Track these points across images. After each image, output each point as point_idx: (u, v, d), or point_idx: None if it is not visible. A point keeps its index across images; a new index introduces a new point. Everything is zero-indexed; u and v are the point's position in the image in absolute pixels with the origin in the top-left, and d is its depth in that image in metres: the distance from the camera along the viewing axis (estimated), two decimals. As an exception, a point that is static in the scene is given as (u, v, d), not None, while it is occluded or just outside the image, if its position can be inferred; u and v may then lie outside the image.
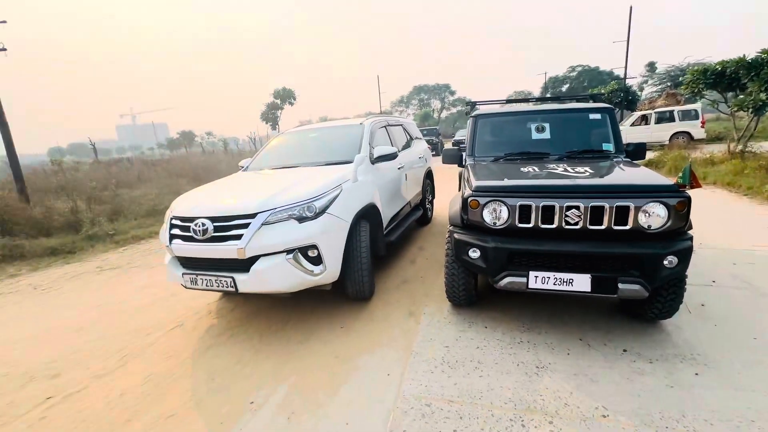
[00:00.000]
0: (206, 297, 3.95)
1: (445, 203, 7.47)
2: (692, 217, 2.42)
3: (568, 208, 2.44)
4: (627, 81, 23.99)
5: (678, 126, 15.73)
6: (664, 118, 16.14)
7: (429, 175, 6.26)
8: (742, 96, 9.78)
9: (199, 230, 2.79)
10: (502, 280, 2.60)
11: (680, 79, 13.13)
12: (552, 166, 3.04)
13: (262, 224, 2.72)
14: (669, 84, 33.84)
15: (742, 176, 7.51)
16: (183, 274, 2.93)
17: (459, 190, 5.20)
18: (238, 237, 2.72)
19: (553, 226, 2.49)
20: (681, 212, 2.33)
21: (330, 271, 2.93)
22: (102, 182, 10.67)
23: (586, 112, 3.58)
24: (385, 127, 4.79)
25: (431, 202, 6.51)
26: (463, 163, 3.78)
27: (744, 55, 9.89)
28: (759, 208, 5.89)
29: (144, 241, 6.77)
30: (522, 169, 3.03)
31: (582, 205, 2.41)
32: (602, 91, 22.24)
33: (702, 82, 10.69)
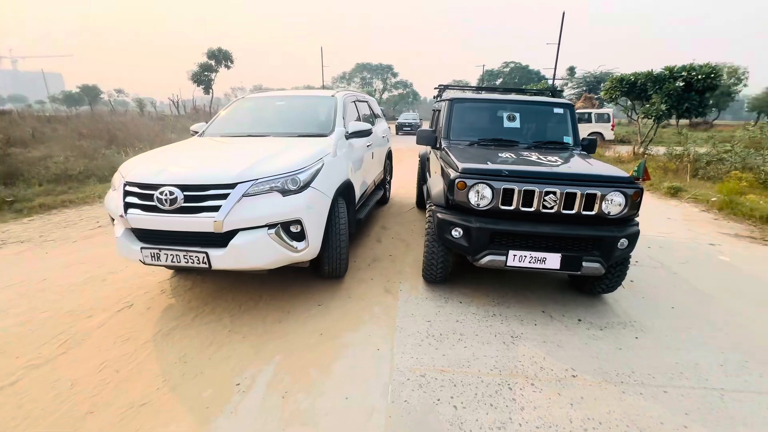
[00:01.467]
0: (155, 274, 3.55)
1: (399, 184, 7.61)
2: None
3: (547, 193, 2.65)
4: (554, 81, 26.33)
5: (593, 127, 17.83)
6: (583, 119, 18.14)
7: (389, 155, 6.27)
8: (647, 105, 11.41)
9: (167, 199, 2.46)
10: (482, 259, 2.76)
11: (600, 85, 14.70)
12: (525, 153, 3.26)
13: (242, 196, 2.50)
14: (585, 88, 37.96)
15: (645, 174, 8.84)
16: (142, 248, 2.58)
17: (423, 172, 5.32)
18: (215, 209, 2.46)
19: (532, 209, 2.70)
20: (635, 201, 2.69)
21: (312, 248, 2.82)
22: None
23: (551, 106, 3.88)
24: (354, 102, 4.65)
25: (389, 183, 6.56)
26: (438, 145, 3.85)
27: (651, 70, 11.47)
28: (658, 202, 7.03)
29: (56, 211, 5.75)
30: (500, 154, 3.20)
31: (558, 191, 2.65)
32: (534, 88, 24.13)
33: (618, 89, 12.20)
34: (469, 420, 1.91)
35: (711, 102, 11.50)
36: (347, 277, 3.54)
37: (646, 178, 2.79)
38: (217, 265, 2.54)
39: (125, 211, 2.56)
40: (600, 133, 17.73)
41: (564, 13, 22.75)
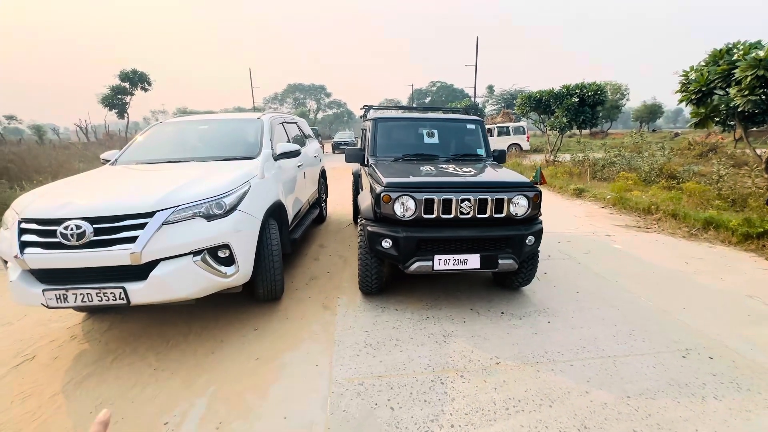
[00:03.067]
0: (63, 320, 3.18)
1: (337, 201, 7.70)
2: (541, 206, 3.23)
3: (463, 200, 2.94)
4: (476, 99, 28.72)
5: (512, 139, 19.71)
6: (503, 132, 19.99)
7: (323, 174, 6.35)
8: (552, 118, 12.98)
9: (72, 234, 2.27)
10: (412, 265, 2.95)
11: (513, 101, 16.36)
12: (444, 166, 3.57)
13: (162, 224, 2.40)
14: (503, 104, 41.87)
15: (555, 179, 10.00)
16: (44, 291, 2.33)
17: (355, 188, 5.48)
18: (131, 239, 2.33)
19: (451, 216, 2.96)
20: (536, 203, 3.10)
21: (243, 272, 2.78)
22: None
23: (465, 122, 4.31)
24: (282, 123, 4.69)
25: (325, 201, 6.61)
26: (366, 162, 4.04)
27: (552, 88, 13.11)
28: (567, 202, 7.98)
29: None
30: (421, 168, 3.46)
31: (472, 198, 2.95)
32: (459, 105, 26.10)
33: (527, 105, 13.73)
34: (404, 418, 2.02)
35: (601, 114, 13.42)
36: (284, 297, 3.51)
37: (543, 182, 3.23)
38: (137, 299, 2.38)
39: (21, 251, 2.31)
40: (518, 144, 19.68)
41: (478, 38, 25.17)
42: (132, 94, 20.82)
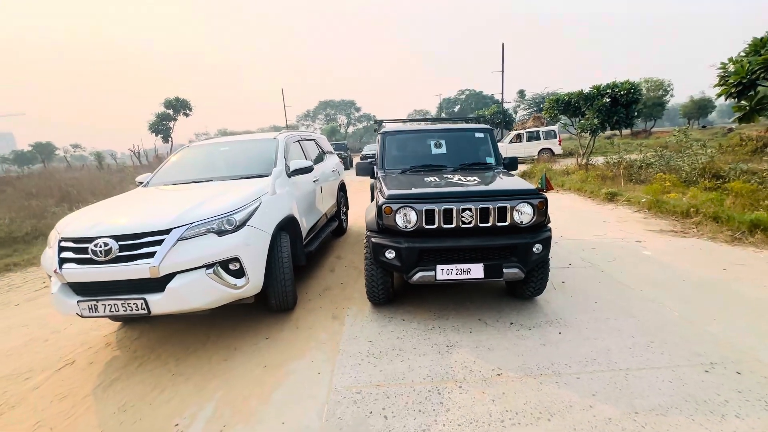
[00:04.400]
0: (101, 329, 3.51)
1: (359, 214, 7.86)
2: (556, 216, 3.16)
3: (464, 210, 2.95)
4: (504, 105, 28.21)
5: (543, 143, 19.10)
6: (533, 136, 19.44)
7: (342, 188, 6.54)
8: (582, 121, 12.48)
9: (101, 251, 2.55)
10: (414, 276, 2.98)
11: (541, 105, 15.91)
12: (449, 176, 3.59)
13: (178, 240, 2.63)
14: (535, 109, 40.71)
15: (586, 183, 9.58)
16: (78, 302, 2.62)
17: (372, 200, 5.61)
18: (150, 255, 2.57)
19: (453, 225, 2.97)
20: (542, 210, 3.03)
21: (253, 284, 2.95)
22: None
23: (472, 131, 4.31)
24: (298, 141, 4.93)
25: (345, 214, 6.78)
26: (375, 175, 4.15)
27: (581, 89, 12.64)
28: (597, 207, 7.62)
29: (-1, 276, 5.54)
30: (426, 179, 3.51)
31: (473, 207, 2.95)
32: (486, 113, 25.75)
33: (556, 109, 13.30)
34: (397, 427, 2.05)
35: (637, 113, 12.70)
36: (297, 308, 3.65)
37: (549, 188, 3.16)
38: (156, 309, 2.61)
39: (60, 267, 2.62)
40: (550, 149, 19.01)
41: (503, 44, 24.86)
42: (175, 120, 22.57)
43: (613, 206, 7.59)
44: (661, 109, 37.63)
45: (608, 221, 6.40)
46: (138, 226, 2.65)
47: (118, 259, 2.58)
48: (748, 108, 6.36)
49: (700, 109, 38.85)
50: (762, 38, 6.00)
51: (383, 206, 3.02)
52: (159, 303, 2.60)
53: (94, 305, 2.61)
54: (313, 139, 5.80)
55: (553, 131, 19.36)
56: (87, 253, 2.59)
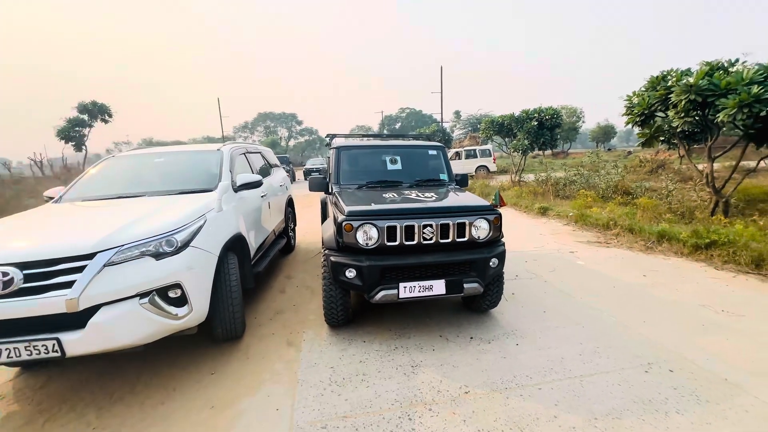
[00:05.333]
0: (-8, 378, 2.85)
1: (306, 230, 7.57)
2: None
3: (425, 226, 2.95)
4: (443, 124, 29.79)
5: (479, 161, 20.40)
6: (471, 154, 20.68)
7: (290, 203, 6.25)
8: (514, 141, 13.60)
9: (-2, 282, 2.07)
10: (377, 295, 2.88)
11: (479, 125, 17.08)
12: (406, 192, 3.59)
13: (104, 265, 2.24)
14: (470, 128, 43.62)
15: (521, 198, 10.35)
16: (-37, 347, 2.08)
17: (322, 216, 5.42)
18: (68, 285, 2.14)
19: (414, 242, 2.95)
20: (497, 225, 3.15)
21: (197, 312, 2.61)
22: None
23: (427, 148, 4.40)
24: (244, 154, 4.61)
25: (293, 230, 6.48)
26: (330, 190, 4.01)
27: (513, 113, 13.81)
28: (532, 220, 8.24)
29: None
30: (384, 195, 3.47)
31: (434, 223, 2.96)
32: (426, 131, 26.93)
33: (491, 129, 14.35)
34: (369, 462, 1.90)
35: (560, 136, 14.18)
36: (246, 335, 3.32)
37: (502, 204, 3.30)
38: (73, 350, 2.17)
39: (-63, 304, 2.07)
40: (485, 166, 20.38)
41: (441, 68, 26.43)
42: (91, 126, 20.06)
43: (545, 220, 8.27)
44: (576, 133, 42.74)
45: (544, 234, 6.93)
46: (50, 250, 2.20)
47: (22, 292, 2.11)
48: (649, 134, 7.43)
49: (605, 134, 44.87)
50: (657, 77, 7.08)
51: (343, 223, 2.90)
52: (77, 343, 2.16)
53: (-14, 351, 2.09)
54: (260, 152, 5.49)
55: (488, 150, 20.83)
56: (-23, 286, 2.08)
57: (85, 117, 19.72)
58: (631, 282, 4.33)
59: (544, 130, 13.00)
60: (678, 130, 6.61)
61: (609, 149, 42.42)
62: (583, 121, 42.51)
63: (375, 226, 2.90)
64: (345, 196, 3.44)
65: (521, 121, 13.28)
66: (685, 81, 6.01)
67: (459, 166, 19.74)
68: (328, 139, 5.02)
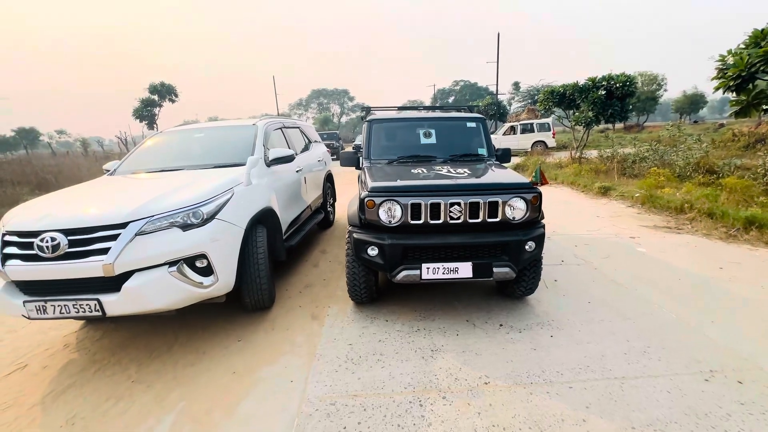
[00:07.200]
0: (61, 328, 3.26)
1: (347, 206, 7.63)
2: (548, 210, 2.96)
3: (452, 204, 2.74)
4: (499, 96, 27.93)
5: (537, 136, 18.94)
6: (527, 129, 19.26)
7: (329, 179, 6.28)
8: (577, 113, 12.29)
9: (48, 246, 2.29)
10: (398, 274, 2.77)
11: (536, 97, 15.73)
12: (438, 168, 3.36)
13: (136, 234, 2.38)
14: (529, 101, 40.51)
15: (580, 177, 9.44)
16: (25, 302, 2.36)
17: (359, 190, 5.37)
18: (104, 251, 2.32)
19: (440, 221, 2.76)
20: (535, 205, 2.83)
21: (223, 282, 2.71)
22: None
23: (464, 120, 4.07)
24: (281, 129, 4.65)
25: (332, 206, 6.54)
26: (360, 165, 3.90)
27: (577, 81, 12.42)
28: (590, 201, 7.49)
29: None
30: (413, 170, 3.28)
31: (462, 202, 2.74)
32: (480, 104, 25.45)
33: (550, 101, 13.08)
34: (372, 445, 1.86)
35: (631, 107, 12.53)
36: (275, 306, 3.43)
37: (544, 182, 2.95)
38: (111, 311, 2.37)
39: (3, 264, 2.35)
40: (543, 142, 18.87)
41: (498, 35, 24.47)
42: (160, 106, 21.87)
43: (606, 201, 7.46)
44: (654, 104, 37.73)
45: (601, 216, 6.25)
46: (91, 219, 2.39)
47: (67, 256, 2.32)
48: (745, 102, 6.21)
49: (692, 104, 39.04)
50: (762, 30, 5.81)
51: (365, 199, 2.79)
52: (114, 304, 2.35)
53: (42, 306, 2.36)
54: (298, 127, 5.51)
55: (547, 124, 19.20)
56: (32, 249, 2.32)
57: (155, 97, 21.50)
58: (703, 274, 3.74)
59: (614, 101, 11.54)
60: (786, 94, 5.43)
61: (695, 121, 36.92)
62: (665, 90, 37.28)
63: (398, 203, 2.75)
64: (372, 172, 3.32)
65: (586, 90, 11.88)
66: (800, 32, 4.85)
67: (514, 142, 18.52)
68: (364, 113, 4.86)
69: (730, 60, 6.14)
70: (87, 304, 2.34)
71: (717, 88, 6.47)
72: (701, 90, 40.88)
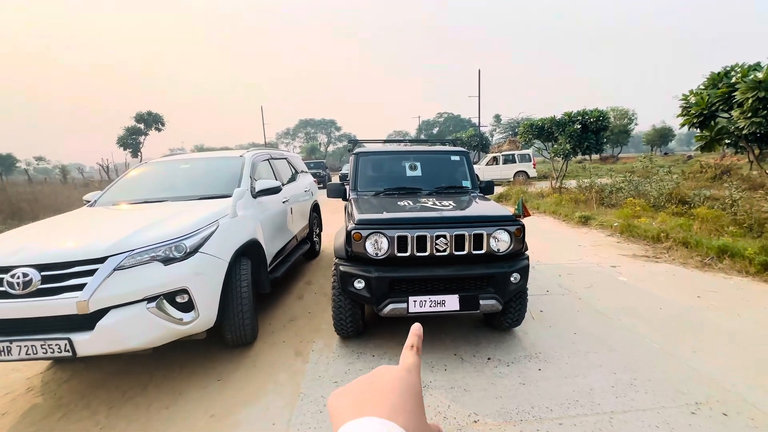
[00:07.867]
0: (24, 369, 3.05)
1: (333, 236, 7.59)
2: (531, 239, 3.02)
3: (438, 237, 2.77)
4: (481, 128, 29.01)
5: (518, 166, 19.58)
6: (509, 159, 19.92)
7: (316, 209, 6.28)
8: (555, 146, 12.85)
9: (18, 283, 2.18)
10: (385, 308, 2.74)
11: (516, 129, 16.41)
12: (423, 200, 3.43)
13: (114, 269, 2.30)
14: (510, 132, 42.17)
15: (561, 206, 9.72)
16: (-12, 342, 2.22)
17: (345, 222, 5.38)
18: (80, 287, 2.23)
19: (426, 253, 2.78)
20: (519, 237, 2.89)
21: (204, 318, 2.62)
22: None
23: (448, 154, 4.20)
24: (268, 160, 4.68)
25: (318, 236, 6.50)
26: (347, 197, 3.94)
27: (554, 116, 13.09)
28: (572, 230, 7.68)
29: None
30: (399, 203, 3.33)
31: (448, 234, 2.78)
32: (463, 135, 26.35)
33: (530, 133, 13.69)
34: (358, 494, 1.76)
35: (606, 140, 13.16)
36: (258, 341, 3.31)
37: (526, 214, 3.03)
38: (83, 351, 2.24)
39: (-33, 301, 2.22)
40: (525, 172, 19.50)
41: (479, 71, 25.80)
42: (146, 134, 21.82)
43: (587, 230, 7.67)
44: (627, 137, 39.80)
45: (583, 245, 6.40)
46: (66, 253, 2.31)
47: (39, 293, 2.21)
48: (709, 137, 6.64)
49: (661, 137, 41.35)
50: (719, 73, 6.33)
51: (352, 232, 2.80)
52: (87, 343, 2.23)
53: (7, 347, 2.21)
54: (285, 158, 5.57)
55: (528, 155, 19.94)
56: (2, 285, 2.21)
57: (141, 126, 21.48)
58: (683, 303, 3.83)
59: (589, 134, 12.15)
60: (744, 132, 5.84)
61: (666, 153, 39.00)
62: (636, 124, 39.50)
63: (385, 235, 2.77)
64: (359, 203, 3.35)
65: (563, 124, 12.52)
66: (752, 77, 5.30)
67: (497, 172, 19.07)
68: (350, 144, 4.98)
69: (693, 99, 6.62)
70: (57, 344, 2.21)
71: (683, 125, 6.92)
72: (669, 124, 43.52)
